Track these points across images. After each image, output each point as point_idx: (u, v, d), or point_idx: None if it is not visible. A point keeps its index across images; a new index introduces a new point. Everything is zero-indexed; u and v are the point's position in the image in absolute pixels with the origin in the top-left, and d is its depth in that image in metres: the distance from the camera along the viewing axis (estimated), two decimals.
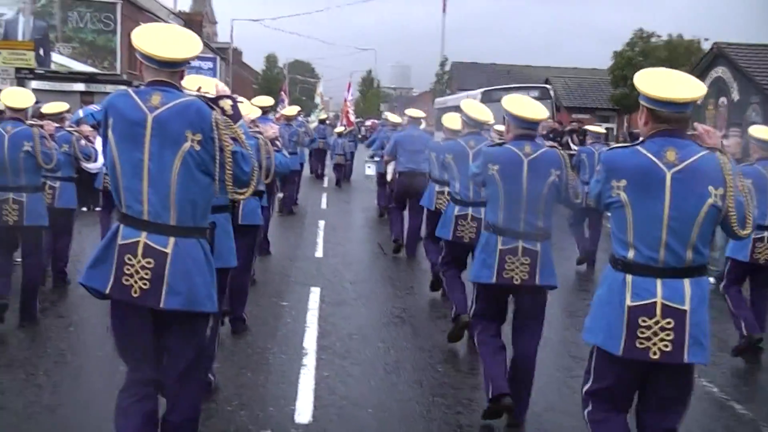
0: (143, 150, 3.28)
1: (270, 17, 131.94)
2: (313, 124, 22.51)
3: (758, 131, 6.47)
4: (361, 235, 13.23)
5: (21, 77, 21.58)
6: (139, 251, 3.29)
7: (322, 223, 13.32)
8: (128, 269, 3.29)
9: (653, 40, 33.02)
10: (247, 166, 3.39)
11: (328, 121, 26.09)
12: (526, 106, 4.77)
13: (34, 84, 28.89)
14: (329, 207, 16.12)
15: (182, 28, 3.72)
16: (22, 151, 6.26)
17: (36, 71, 29.29)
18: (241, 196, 3.48)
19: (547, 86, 24.68)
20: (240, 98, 4.34)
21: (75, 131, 8.14)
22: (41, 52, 31.41)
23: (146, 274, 3.28)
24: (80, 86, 32.11)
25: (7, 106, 6.41)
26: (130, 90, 3.37)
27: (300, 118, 15.93)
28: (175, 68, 3.39)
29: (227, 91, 3.89)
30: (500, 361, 4.78)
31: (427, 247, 8.45)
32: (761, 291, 6.67)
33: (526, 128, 4.75)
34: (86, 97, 29.51)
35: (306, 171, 18.54)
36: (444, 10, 42.66)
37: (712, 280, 10.42)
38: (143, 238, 3.30)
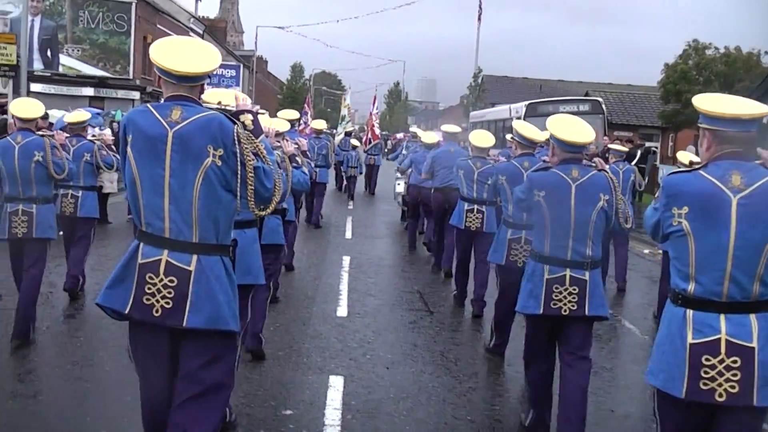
0: (164, 166, 3.38)
1: (296, 24, 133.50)
2: (340, 137, 23.16)
3: None
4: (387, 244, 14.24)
5: (2, 75, 21.19)
6: (161, 270, 3.39)
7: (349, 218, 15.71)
8: (149, 288, 3.38)
9: (708, 52, 32.54)
10: (269, 182, 3.52)
11: (354, 134, 26.52)
12: (572, 128, 4.84)
13: (39, 87, 29.21)
14: (353, 235, 15.06)
15: (201, 40, 3.84)
16: (33, 161, 6.48)
17: (38, 74, 29.63)
18: (264, 213, 3.59)
19: (599, 99, 23.48)
20: (261, 110, 4.45)
21: (97, 140, 8.47)
22: (49, 53, 31.78)
23: (169, 293, 3.38)
24: (89, 90, 32.38)
25: (16, 116, 6.62)
26: (149, 105, 3.49)
27: (324, 134, 16.42)
28: (194, 82, 3.52)
29: (249, 105, 4.01)
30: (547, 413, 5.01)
31: (458, 271, 9.23)
32: None
33: (572, 152, 4.84)
34: (96, 102, 29.96)
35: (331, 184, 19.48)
36: (479, 19, 42.42)
37: None
38: (165, 256, 3.39)
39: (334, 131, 24.20)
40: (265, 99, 55.41)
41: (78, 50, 32.95)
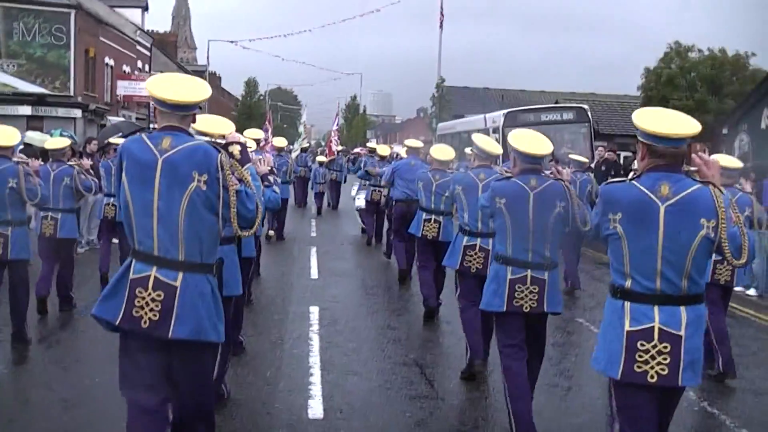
0: (153, 190, 4.00)
1: (248, 39, 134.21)
2: (296, 153, 24.26)
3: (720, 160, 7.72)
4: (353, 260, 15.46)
5: None
6: (150, 284, 4.01)
7: (313, 250, 15.59)
8: (139, 301, 3.99)
9: (692, 54, 32.81)
10: (251, 204, 4.18)
11: (310, 150, 28.33)
12: (531, 141, 5.70)
13: None
14: (318, 235, 18.33)
15: (193, 77, 4.56)
16: (8, 187, 7.37)
17: None
18: (246, 233, 4.28)
19: (584, 106, 22.72)
20: (250, 138, 5.79)
21: (76, 164, 9.40)
22: None
23: (156, 306, 3.98)
24: (26, 109, 31.74)
25: None
26: (143, 135, 4.19)
27: (285, 152, 18.37)
28: (185, 111, 4.17)
29: (238, 137, 4.80)
30: (526, 397, 5.68)
31: (424, 280, 9.82)
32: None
33: (531, 163, 5.68)
34: (34, 123, 29.24)
35: (291, 200, 20.69)
36: (441, 26, 42.91)
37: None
38: (153, 272, 4.01)
39: (291, 147, 24.61)
40: (220, 115, 55.29)
41: (13, 65, 32.56)
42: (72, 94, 33.41)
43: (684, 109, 29.67)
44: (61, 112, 32.52)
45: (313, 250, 15.87)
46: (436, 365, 7.91)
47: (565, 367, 7.95)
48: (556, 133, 21.27)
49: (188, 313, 3.99)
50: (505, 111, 22.59)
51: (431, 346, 8.70)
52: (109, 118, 34.25)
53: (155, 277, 4.00)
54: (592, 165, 17.03)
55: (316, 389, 6.88)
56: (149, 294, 4.00)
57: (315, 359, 7.82)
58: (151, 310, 3.99)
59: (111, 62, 39.20)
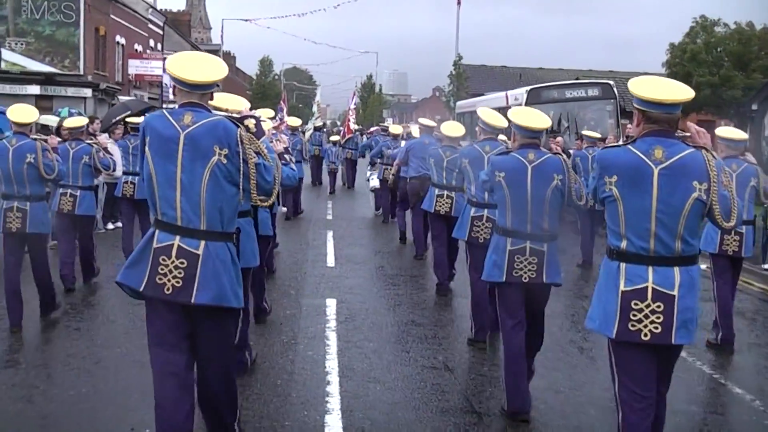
0: (176, 163, 4.26)
1: (262, 17, 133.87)
2: (309, 132, 24.24)
3: (724, 131, 7.98)
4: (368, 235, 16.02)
5: None
6: (173, 253, 4.25)
7: (330, 234, 15.38)
8: (162, 269, 4.24)
9: (717, 29, 31.89)
10: (269, 176, 4.43)
11: (325, 129, 28.72)
12: (530, 116, 5.98)
13: None
14: (333, 218, 18.32)
15: (211, 55, 4.74)
16: (26, 162, 7.68)
17: None
18: (265, 204, 4.55)
19: (610, 82, 21.61)
20: (263, 117, 6.07)
21: (94, 143, 9.84)
22: None
23: (179, 273, 4.23)
24: (35, 89, 31.44)
25: (13, 121, 7.86)
26: (164, 111, 4.45)
27: (299, 131, 19.00)
28: (204, 90, 4.42)
29: (252, 113, 5.15)
30: (522, 372, 5.83)
31: (436, 254, 10.30)
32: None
33: (530, 137, 5.92)
34: (42, 102, 28.77)
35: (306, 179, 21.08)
36: (459, 2, 41.81)
37: None
38: (177, 241, 4.26)
39: (305, 127, 24.17)
40: (235, 95, 54.88)
41: (22, 44, 32.19)
42: (82, 73, 33.06)
43: (709, 85, 28.98)
44: (71, 91, 32.12)
45: (330, 234, 15.47)
46: (467, 368, 7.22)
47: (575, 338, 8.20)
48: (580, 110, 20.37)
49: (210, 279, 4.23)
50: (528, 88, 21.81)
51: (460, 345, 7.94)
52: (120, 97, 33.78)
53: (178, 246, 4.24)
54: (620, 142, 16.06)
55: (334, 402, 6.14)
56: (172, 262, 4.23)
57: (332, 363, 7.12)
58: (174, 277, 4.22)
59: (122, 41, 39.04)
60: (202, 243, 4.25)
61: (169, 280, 4.21)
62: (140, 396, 5.71)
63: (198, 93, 4.39)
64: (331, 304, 9.31)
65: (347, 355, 7.30)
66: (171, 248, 4.23)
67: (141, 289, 4.27)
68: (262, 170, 4.35)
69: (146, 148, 4.34)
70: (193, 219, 4.24)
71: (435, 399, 6.25)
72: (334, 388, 6.39)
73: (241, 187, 4.33)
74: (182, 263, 4.22)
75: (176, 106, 4.48)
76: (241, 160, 4.28)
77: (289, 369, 6.84)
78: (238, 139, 4.28)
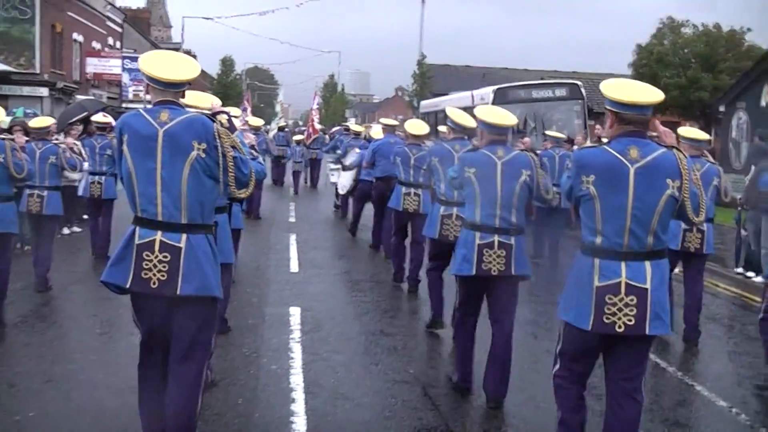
0: (156, 160, 4.35)
1: (224, 15, 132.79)
2: (273, 132, 25.05)
3: (687, 132, 8.24)
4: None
5: None
6: (156, 247, 4.35)
7: (292, 238, 15.07)
8: (147, 264, 4.34)
9: (685, 30, 31.97)
10: (246, 169, 4.55)
11: (287, 129, 28.32)
12: (497, 114, 6.24)
13: None
14: (296, 220, 18.18)
15: (182, 54, 4.92)
16: None
17: None
18: (243, 195, 4.69)
19: (577, 83, 21.58)
20: (233, 113, 6.15)
21: (61, 143, 9.91)
22: None
23: (164, 267, 4.33)
24: None
25: None
26: (141, 110, 4.53)
27: (262, 131, 18.72)
28: (178, 88, 4.54)
29: (222, 107, 5.29)
30: (470, 355, 6.36)
31: (395, 248, 10.80)
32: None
33: (497, 134, 6.14)
34: None
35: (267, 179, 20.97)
36: (423, 1, 41.61)
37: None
38: (159, 236, 4.36)
39: (267, 127, 23.93)
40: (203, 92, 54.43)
41: None
42: (38, 71, 32.57)
43: (676, 86, 29.00)
44: (27, 90, 31.43)
45: (293, 238, 15.18)
46: (440, 382, 6.86)
47: (550, 348, 7.83)
48: (548, 110, 20.21)
49: (194, 270, 4.35)
50: (495, 87, 21.47)
51: (432, 357, 7.76)
52: (78, 96, 32.83)
53: (161, 240, 4.35)
54: (589, 143, 15.90)
55: (300, 422, 5.80)
56: (156, 256, 4.33)
57: (297, 378, 6.75)
58: (159, 271, 4.32)
59: (80, 38, 38.51)
60: (184, 236, 4.38)
61: (154, 275, 4.33)
62: (93, 420, 5.53)
63: (172, 91, 4.51)
64: (296, 313, 8.95)
65: (313, 369, 6.95)
66: (153, 243, 4.35)
67: (127, 286, 4.38)
68: (239, 163, 4.50)
69: (124, 147, 4.43)
70: (174, 213, 4.36)
71: (407, 417, 5.95)
72: (299, 406, 6.04)
73: (220, 180, 4.45)
74: (165, 257, 4.34)
75: (150, 105, 4.57)
76: (220, 155, 4.42)
77: (252, 385, 6.48)
78: (216, 134, 4.42)
